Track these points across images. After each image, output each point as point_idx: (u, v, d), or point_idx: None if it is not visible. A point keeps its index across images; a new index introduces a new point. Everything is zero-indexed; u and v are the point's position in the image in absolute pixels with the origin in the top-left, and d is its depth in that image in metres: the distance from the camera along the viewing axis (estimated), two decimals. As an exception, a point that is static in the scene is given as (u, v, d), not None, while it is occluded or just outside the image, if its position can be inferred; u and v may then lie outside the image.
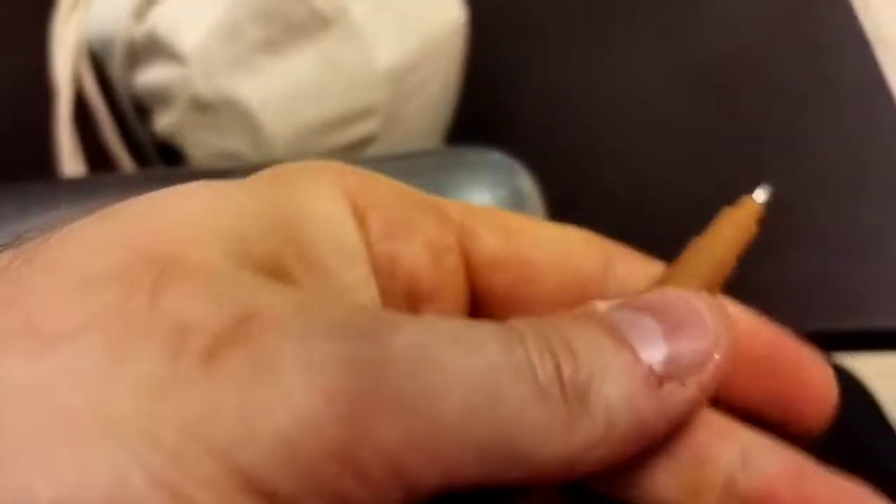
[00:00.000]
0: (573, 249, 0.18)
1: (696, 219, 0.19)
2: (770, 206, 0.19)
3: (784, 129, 0.55)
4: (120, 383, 0.11)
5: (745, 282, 0.48)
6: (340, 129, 0.49)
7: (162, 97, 0.52)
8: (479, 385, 0.13)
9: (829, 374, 0.17)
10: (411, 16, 0.52)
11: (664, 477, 0.15)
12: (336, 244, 0.16)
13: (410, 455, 0.12)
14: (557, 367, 0.14)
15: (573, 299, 0.17)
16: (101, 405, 0.11)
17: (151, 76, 0.52)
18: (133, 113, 0.55)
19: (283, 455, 0.12)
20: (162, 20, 0.51)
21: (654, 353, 0.14)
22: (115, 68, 0.53)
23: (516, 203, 0.39)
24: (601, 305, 0.15)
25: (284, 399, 0.12)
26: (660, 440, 0.15)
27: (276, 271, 0.15)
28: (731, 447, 0.15)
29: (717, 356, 0.15)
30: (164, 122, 0.52)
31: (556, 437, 0.13)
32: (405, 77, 0.51)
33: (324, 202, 0.16)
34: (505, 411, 0.13)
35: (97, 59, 0.55)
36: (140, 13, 0.52)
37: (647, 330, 0.15)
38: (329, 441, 0.12)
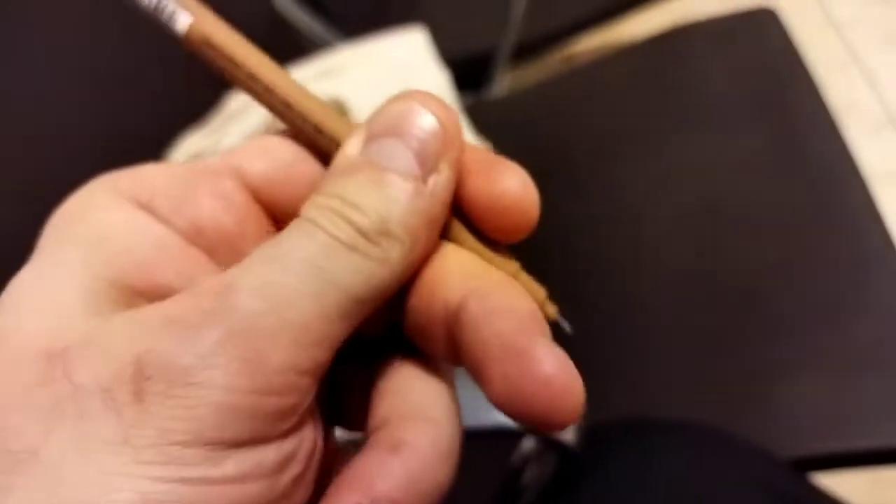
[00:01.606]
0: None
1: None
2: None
3: (782, 254, 0.62)
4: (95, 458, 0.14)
5: (757, 409, 0.56)
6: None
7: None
8: (313, 278, 0.16)
9: (527, 180, 0.19)
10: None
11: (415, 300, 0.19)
12: (145, 241, 0.18)
13: (298, 356, 0.16)
14: (353, 224, 0.17)
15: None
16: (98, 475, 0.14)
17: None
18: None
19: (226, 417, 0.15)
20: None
21: (407, 164, 0.18)
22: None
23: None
24: (351, 148, 0.18)
25: (206, 396, 0.15)
26: (441, 223, 0.18)
27: (132, 290, 0.18)
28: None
29: (446, 129, 0.18)
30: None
31: (383, 268, 0.17)
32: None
33: (113, 213, 0.18)
34: (341, 281, 0.16)
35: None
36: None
37: (393, 150, 0.18)
38: (250, 385, 0.15)
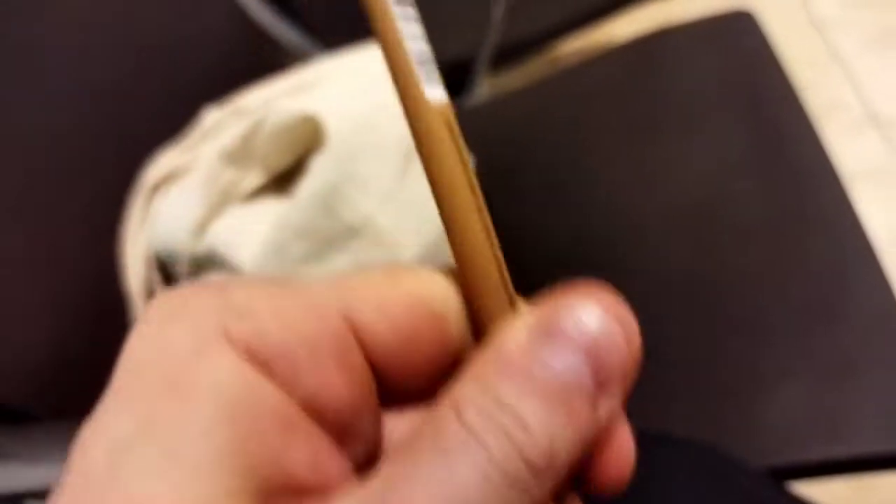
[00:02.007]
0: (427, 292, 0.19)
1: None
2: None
3: (763, 259, 0.62)
4: None
5: (740, 417, 0.56)
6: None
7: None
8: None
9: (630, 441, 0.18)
10: (429, 206, 0.61)
11: None
12: (272, 415, 0.16)
13: None
14: (519, 450, 0.15)
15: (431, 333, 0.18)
16: None
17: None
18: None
19: None
20: (219, 238, 0.60)
21: (584, 381, 0.16)
22: (182, 276, 0.63)
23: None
24: (518, 336, 0.16)
25: None
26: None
27: (262, 478, 0.15)
28: None
29: (627, 353, 0.17)
30: (227, 320, 0.61)
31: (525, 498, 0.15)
32: (429, 261, 0.60)
33: (229, 370, 0.16)
34: None
35: (165, 267, 0.64)
36: (199, 229, 0.62)
37: (571, 358, 0.16)
38: None
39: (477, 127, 0.92)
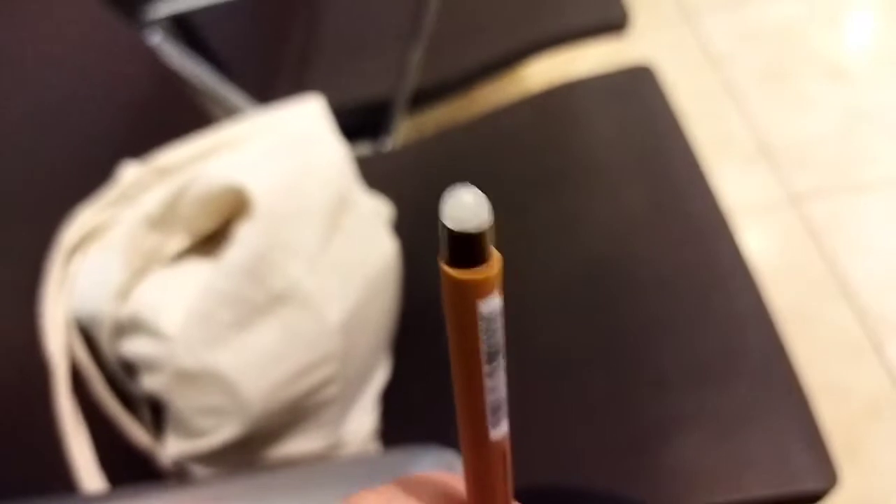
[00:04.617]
0: None
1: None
2: None
3: (664, 312, 0.67)
4: None
5: (647, 467, 0.60)
6: (304, 377, 0.59)
7: (148, 365, 0.61)
8: None
9: None
10: (352, 267, 0.63)
11: None
12: None
13: None
14: None
15: None
16: None
17: (137, 347, 0.61)
18: (122, 372, 0.64)
19: None
20: (143, 303, 0.60)
21: None
22: (104, 340, 0.63)
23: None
24: None
25: None
26: None
27: None
28: None
29: None
30: (151, 383, 0.61)
31: None
32: (354, 321, 0.62)
33: None
34: None
35: (86, 331, 0.64)
36: (122, 294, 0.62)
37: None
38: None
39: (392, 170, 0.95)
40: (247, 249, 0.56)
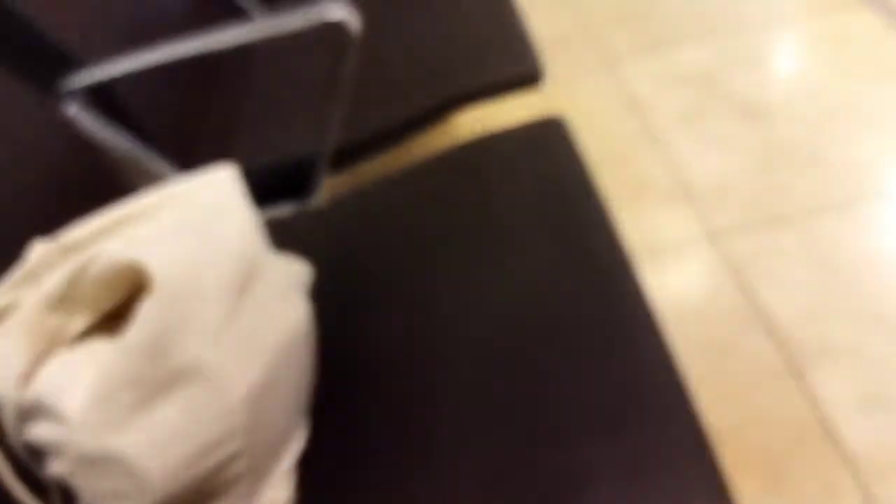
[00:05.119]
0: None
1: None
2: None
3: (573, 367, 0.69)
4: None
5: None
6: (209, 454, 0.59)
7: (52, 450, 0.60)
8: None
9: None
10: (260, 337, 0.63)
11: None
12: None
13: None
14: None
15: None
16: None
17: (42, 432, 0.60)
18: (29, 456, 0.63)
19: None
20: (46, 386, 0.60)
21: None
22: (9, 426, 0.62)
23: None
24: None
25: None
26: None
27: None
28: None
29: None
30: (57, 468, 0.60)
31: None
32: (262, 392, 0.62)
33: None
34: None
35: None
36: (25, 378, 0.61)
37: None
38: None
39: (315, 229, 0.96)
40: (146, 328, 0.57)
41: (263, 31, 0.94)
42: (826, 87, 1.65)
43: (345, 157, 1.09)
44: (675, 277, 1.34)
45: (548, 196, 0.86)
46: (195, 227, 0.64)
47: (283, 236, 0.87)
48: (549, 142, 0.94)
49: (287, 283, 0.71)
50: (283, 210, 1.04)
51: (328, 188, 1.11)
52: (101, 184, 0.87)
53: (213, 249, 0.63)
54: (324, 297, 0.82)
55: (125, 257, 0.59)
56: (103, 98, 1.02)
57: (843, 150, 1.50)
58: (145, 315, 0.57)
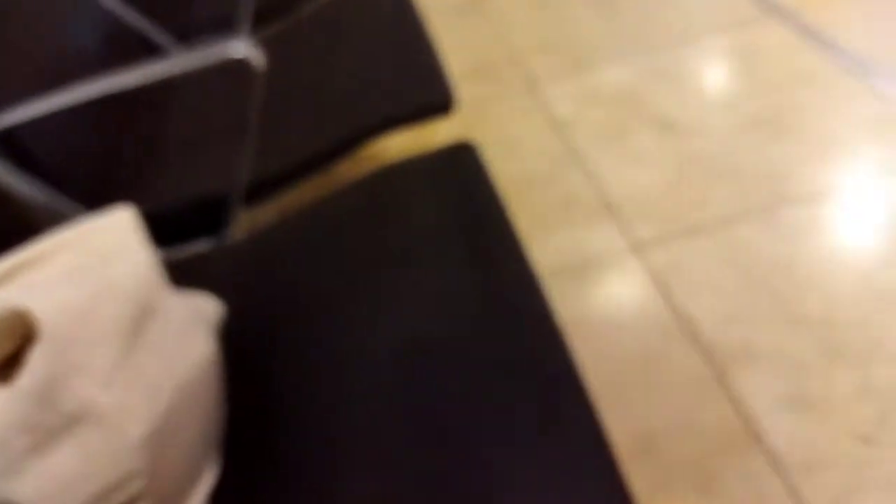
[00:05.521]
0: None
1: None
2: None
3: (482, 388, 0.70)
4: None
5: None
6: (109, 497, 0.58)
7: (-54, 502, 0.59)
8: None
9: None
10: (159, 377, 0.63)
11: None
12: None
13: None
14: None
15: None
16: None
17: (-66, 486, 0.59)
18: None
19: None
20: (-64, 438, 0.59)
21: None
22: None
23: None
24: None
25: None
26: None
27: None
28: None
29: None
30: (-48, 523, 0.59)
31: None
32: (163, 431, 0.62)
33: None
34: None
35: None
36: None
37: None
38: None
39: (230, 265, 0.96)
40: (35, 374, 0.56)
41: (169, 68, 0.95)
42: (741, 99, 1.71)
43: (263, 189, 1.09)
44: (602, 289, 1.37)
45: (457, 220, 0.88)
46: (87, 271, 0.64)
47: (196, 273, 0.87)
48: (460, 166, 0.96)
49: (190, 320, 0.71)
50: (201, 246, 1.04)
51: (253, 219, 1.11)
52: (6, 228, 0.86)
53: (104, 292, 0.62)
54: (234, 332, 0.82)
55: (8, 305, 0.58)
56: (10, 143, 1.01)
57: (756, 159, 1.56)
58: (34, 361, 0.57)
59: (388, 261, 0.83)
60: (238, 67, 0.93)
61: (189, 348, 0.67)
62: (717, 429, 1.16)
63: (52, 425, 0.57)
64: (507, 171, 1.60)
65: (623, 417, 1.19)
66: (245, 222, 1.09)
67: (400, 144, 1.57)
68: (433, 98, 1.10)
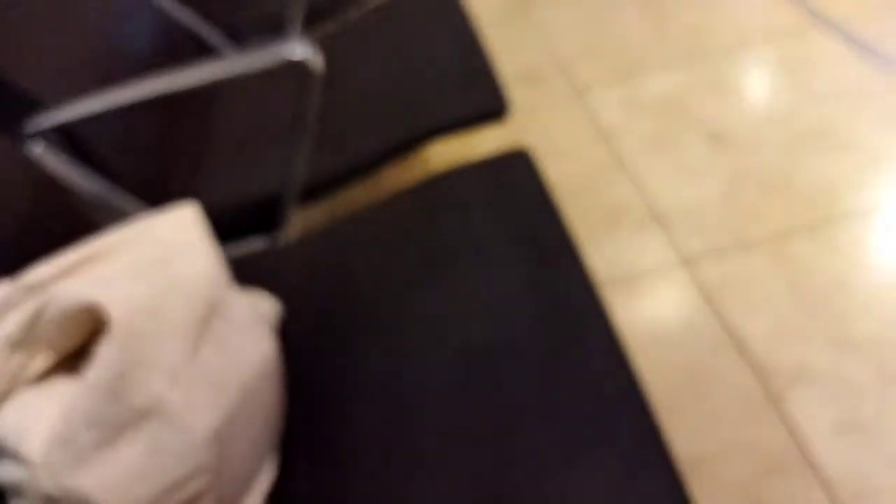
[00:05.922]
0: None
1: None
2: None
3: (539, 394, 0.69)
4: None
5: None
6: (174, 493, 0.58)
7: (14, 490, 0.59)
8: None
9: None
10: (224, 374, 0.63)
11: None
12: None
13: None
14: None
15: None
16: None
17: (3, 472, 0.60)
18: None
19: None
20: (8, 427, 0.59)
21: None
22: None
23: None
24: None
25: None
26: None
27: None
28: None
29: None
30: (18, 510, 0.59)
31: None
32: (228, 429, 0.62)
33: None
34: None
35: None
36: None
37: None
38: None
39: (285, 265, 0.96)
40: (105, 368, 0.56)
41: (226, 70, 0.95)
42: (791, 111, 1.68)
43: (316, 190, 1.09)
44: (650, 302, 1.35)
45: (514, 226, 0.87)
46: (155, 267, 0.64)
47: (251, 272, 0.87)
48: (515, 173, 0.95)
49: (252, 319, 0.71)
50: (254, 245, 1.04)
51: (304, 220, 1.11)
52: (67, 223, 0.87)
53: (172, 289, 0.62)
54: (292, 332, 0.82)
55: (81, 299, 0.58)
56: (70, 139, 1.02)
57: (810, 173, 1.53)
58: (104, 356, 0.57)
59: (446, 264, 0.82)
60: (295, 68, 0.93)
61: (252, 346, 0.67)
62: (769, 450, 1.13)
63: (121, 420, 0.57)
64: (553, 178, 1.58)
65: (671, 434, 1.17)
66: (296, 224, 1.09)
67: (447, 150, 1.57)
68: (488, 103, 1.09)
